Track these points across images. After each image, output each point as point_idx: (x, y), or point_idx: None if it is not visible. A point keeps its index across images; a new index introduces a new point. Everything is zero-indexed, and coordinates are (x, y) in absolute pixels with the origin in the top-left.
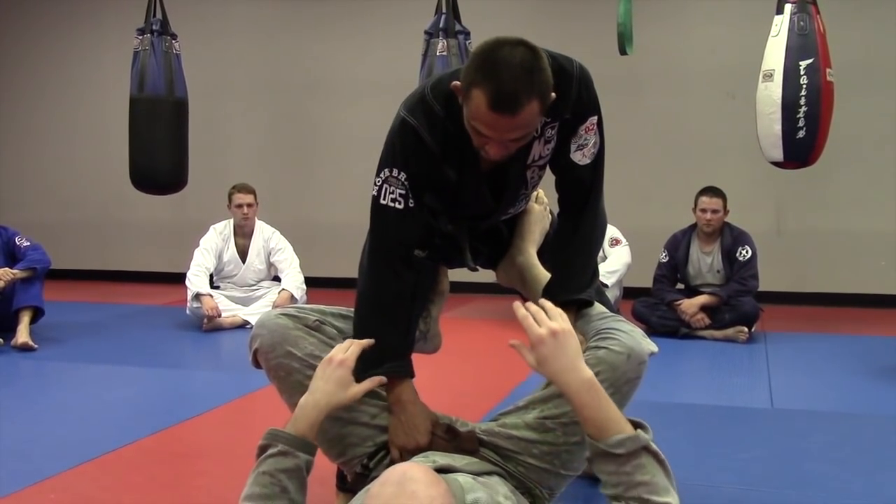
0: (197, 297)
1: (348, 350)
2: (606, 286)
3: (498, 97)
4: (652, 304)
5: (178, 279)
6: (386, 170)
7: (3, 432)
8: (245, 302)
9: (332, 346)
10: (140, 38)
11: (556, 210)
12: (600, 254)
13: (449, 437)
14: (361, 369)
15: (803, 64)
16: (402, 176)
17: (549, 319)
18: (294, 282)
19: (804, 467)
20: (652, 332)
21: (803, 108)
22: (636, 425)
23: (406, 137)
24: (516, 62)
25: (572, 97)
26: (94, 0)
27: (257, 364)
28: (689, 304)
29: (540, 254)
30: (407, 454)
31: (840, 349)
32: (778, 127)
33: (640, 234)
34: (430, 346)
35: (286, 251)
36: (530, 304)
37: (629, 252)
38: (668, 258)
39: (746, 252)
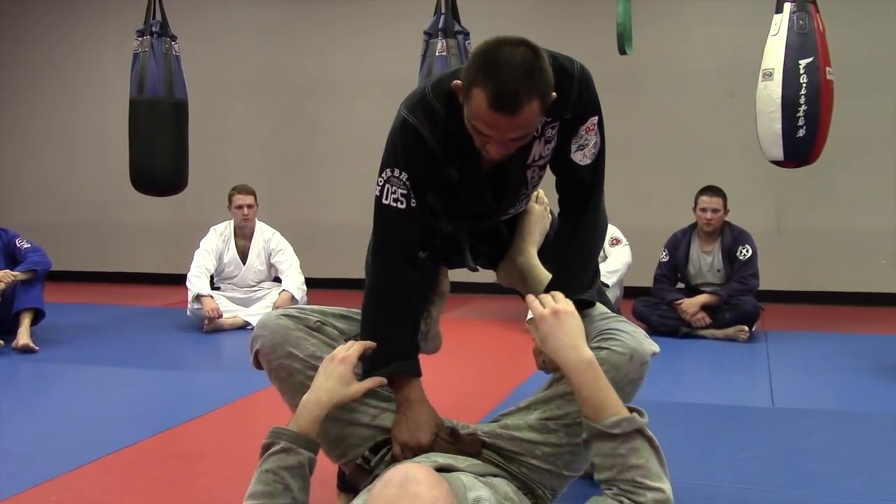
0: (197, 298)
1: (350, 348)
2: (607, 286)
3: (498, 96)
4: (652, 304)
5: (179, 280)
6: (388, 170)
7: (4, 434)
8: (245, 303)
9: (334, 347)
10: (140, 39)
11: (556, 210)
12: (601, 254)
13: (451, 440)
14: (370, 369)
15: (803, 63)
16: (404, 176)
17: (553, 301)
18: (294, 283)
19: (805, 466)
20: (653, 331)
21: (803, 107)
22: (632, 411)
23: (407, 137)
24: (517, 62)
25: (573, 97)
26: (94, 2)
27: (258, 365)
28: (689, 304)
29: (540, 254)
30: (408, 451)
31: (841, 348)
32: (778, 126)
33: (641, 233)
34: (430, 346)
35: (286, 252)
36: (541, 294)
37: (629, 252)
38: (668, 258)
39: (747, 251)
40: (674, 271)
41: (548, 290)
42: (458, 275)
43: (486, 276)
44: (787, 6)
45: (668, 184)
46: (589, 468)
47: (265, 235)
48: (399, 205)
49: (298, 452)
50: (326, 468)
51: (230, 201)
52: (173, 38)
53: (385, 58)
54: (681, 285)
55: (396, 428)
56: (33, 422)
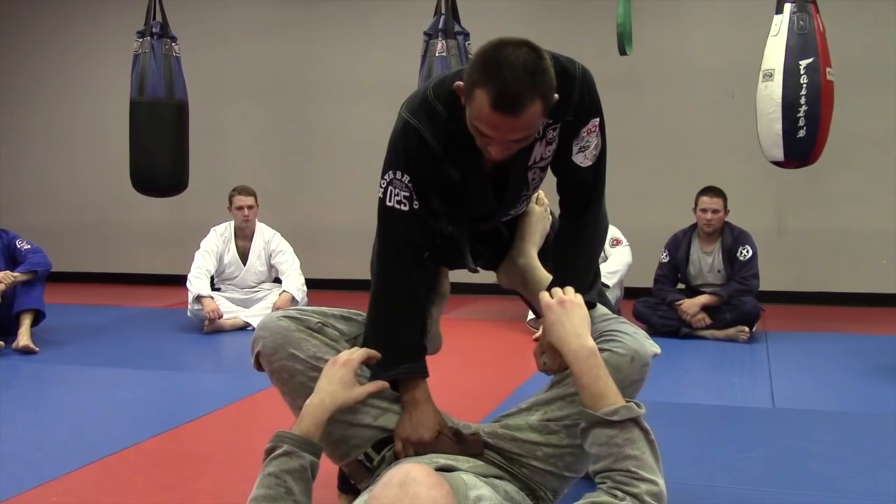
0: (198, 299)
1: (354, 353)
2: (608, 286)
3: (501, 97)
4: (653, 305)
5: (179, 281)
6: (390, 172)
7: (5, 435)
8: (246, 304)
9: (335, 348)
10: (140, 40)
11: (556, 211)
12: (601, 254)
13: (455, 440)
14: (378, 370)
15: (803, 63)
16: (406, 178)
17: (562, 293)
18: (295, 283)
19: (806, 467)
20: (653, 332)
21: (803, 108)
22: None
23: (409, 139)
24: (520, 63)
25: (574, 99)
26: (94, 3)
27: (259, 367)
28: (689, 304)
29: (541, 255)
30: (409, 447)
31: (841, 348)
32: (778, 126)
33: (641, 234)
34: (430, 347)
35: (287, 253)
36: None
37: (630, 252)
38: (668, 258)
39: (747, 252)
40: (674, 272)
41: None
42: (459, 275)
43: (486, 276)
44: (788, 6)
45: (669, 184)
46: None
47: (265, 236)
48: (402, 207)
49: (301, 456)
50: (327, 469)
51: (230, 202)
52: (174, 39)
53: (385, 59)
54: (681, 286)
55: (400, 425)
56: (34, 423)
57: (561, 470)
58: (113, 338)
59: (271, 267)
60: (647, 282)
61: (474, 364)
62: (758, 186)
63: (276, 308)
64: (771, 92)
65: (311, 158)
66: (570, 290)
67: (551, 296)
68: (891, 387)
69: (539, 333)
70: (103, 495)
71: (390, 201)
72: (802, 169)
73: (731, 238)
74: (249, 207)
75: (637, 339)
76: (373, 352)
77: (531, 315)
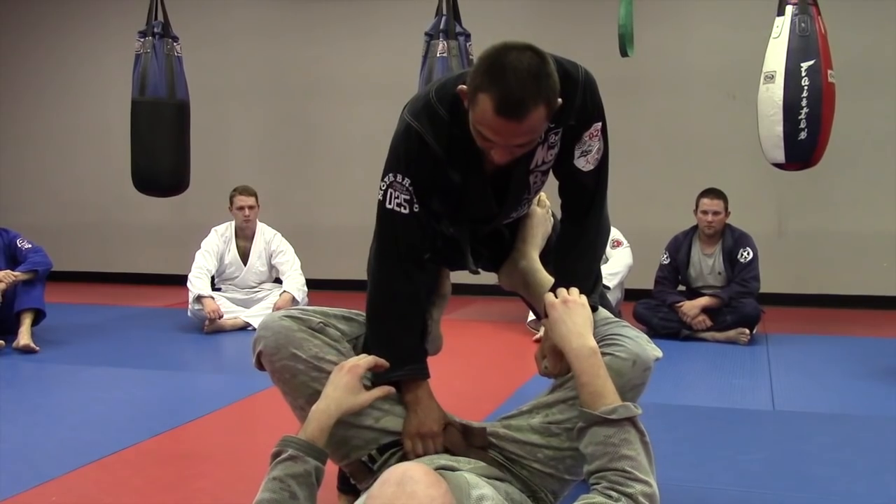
0: (198, 299)
1: (361, 360)
2: (608, 288)
3: (504, 102)
4: (653, 306)
5: (180, 281)
6: (390, 174)
7: (5, 434)
8: (246, 304)
9: (336, 349)
10: (141, 40)
11: (558, 213)
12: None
13: (461, 431)
14: (379, 373)
15: (805, 65)
16: (407, 182)
17: (566, 293)
18: (295, 283)
19: (806, 469)
20: (653, 333)
21: (805, 110)
22: None
23: (410, 142)
24: (523, 67)
25: (577, 103)
26: (96, 2)
27: (261, 366)
28: (690, 306)
29: (542, 257)
30: (418, 443)
31: (842, 351)
32: (779, 128)
33: (642, 235)
34: (431, 348)
35: (287, 253)
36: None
37: (630, 254)
38: (669, 260)
39: (747, 254)
40: (675, 273)
41: (548, 293)
42: (459, 276)
43: (486, 277)
44: (789, 8)
45: (669, 186)
46: None
47: (266, 236)
48: (402, 209)
49: (305, 461)
50: (327, 469)
51: (231, 202)
52: (175, 39)
53: (386, 59)
54: (681, 287)
55: (406, 424)
56: (34, 422)
57: (561, 473)
58: (113, 337)
59: (272, 267)
60: (648, 283)
61: (475, 365)
62: (759, 188)
63: (276, 308)
64: (772, 94)
65: (311, 159)
66: (574, 290)
67: (556, 296)
68: (891, 389)
69: (540, 335)
70: (103, 495)
71: (390, 204)
72: (803, 171)
73: (731, 240)
74: (250, 207)
75: (639, 342)
76: (380, 360)
77: (531, 316)
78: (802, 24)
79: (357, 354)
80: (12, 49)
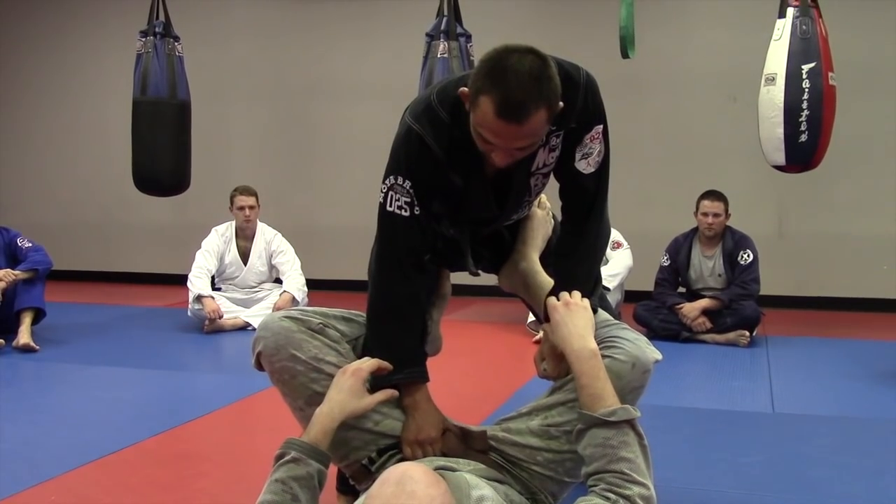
0: (198, 298)
1: (364, 363)
2: (608, 289)
3: (506, 105)
4: (653, 308)
5: (180, 281)
6: (391, 177)
7: (4, 434)
8: (246, 304)
9: (336, 349)
10: (143, 40)
11: (558, 215)
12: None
13: (460, 436)
14: (379, 376)
15: (805, 68)
16: (408, 184)
17: (569, 296)
18: (295, 284)
19: (805, 471)
20: (653, 335)
21: (805, 112)
22: None
23: (411, 145)
24: (525, 70)
25: (578, 105)
26: (97, 2)
27: (260, 367)
28: (690, 308)
29: (542, 259)
30: (417, 449)
31: (841, 353)
32: (780, 130)
33: (642, 237)
34: (430, 348)
35: (288, 253)
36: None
37: (630, 255)
38: (669, 262)
39: (748, 256)
40: (675, 275)
41: (550, 296)
42: (459, 277)
43: (486, 278)
44: (791, 11)
45: (670, 188)
46: None
47: (266, 237)
48: (403, 212)
49: (308, 463)
50: None
51: (232, 202)
52: (176, 38)
53: (387, 59)
54: (682, 289)
55: (405, 429)
56: (33, 421)
57: (561, 475)
58: (113, 337)
59: (272, 267)
60: (648, 285)
61: (474, 366)
62: (759, 191)
63: (276, 308)
64: (773, 96)
65: (312, 159)
66: (577, 294)
67: (558, 297)
68: (891, 391)
69: (539, 336)
70: (102, 494)
71: (391, 206)
72: (804, 173)
73: (732, 242)
74: (251, 207)
75: (638, 345)
76: (384, 363)
77: (531, 318)
78: (803, 27)
79: (356, 355)
80: (13, 49)
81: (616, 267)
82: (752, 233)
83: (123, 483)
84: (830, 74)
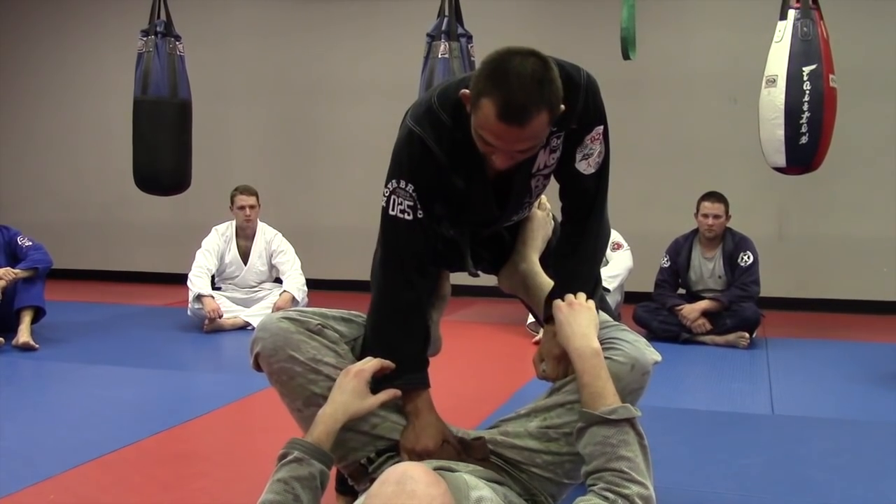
0: (198, 298)
1: (367, 364)
2: (608, 290)
3: (507, 108)
4: (653, 309)
5: (180, 280)
6: (393, 181)
7: (4, 432)
8: (246, 303)
9: (335, 350)
10: (144, 39)
11: (558, 216)
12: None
13: (459, 448)
14: (381, 381)
15: (806, 70)
16: (410, 188)
17: (573, 297)
18: (295, 283)
19: (804, 473)
20: (653, 337)
21: (806, 114)
22: None
23: (413, 148)
24: (527, 73)
25: (579, 107)
26: (97, 2)
27: (258, 368)
28: (690, 310)
29: (542, 260)
30: (414, 457)
31: (841, 355)
32: (781, 132)
33: (642, 238)
34: (430, 349)
35: (288, 253)
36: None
37: (630, 256)
38: (669, 263)
39: (748, 257)
40: (675, 277)
41: (550, 297)
42: (459, 278)
43: (486, 279)
44: (792, 13)
45: (670, 189)
46: None
47: (267, 236)
48: (406, 216)
49: (311, 464)
50: None
51: (232, 202)
52: (177, 38)
53: (387, 60)
54: (682, 291)
55: (404, 436)
56: (33, 420)
57: (560, 477)
58: (113, 336)
59: (272, 267)
60: (648, 286)
61: (474, 367)
62: (759, 192)
63: (276, 308)
64: (774, 98)
65: (313, 159)
66: (581, 295)
67: (562, 298)
68: (891, 394)
69: (539, 337)
70: (102, 493)
71: (393, 210)
72: (804, 175)
73: (732, 244)
74: (251, 207)
75: (637, 346)
76: (386, 362)
77: (531, 319)
78: (805, 29)
79: (355, 356)
80: (13, 48)
81: (616, 268)
82: (753, 234)
83: (123, 482)
84: (831, 76)
